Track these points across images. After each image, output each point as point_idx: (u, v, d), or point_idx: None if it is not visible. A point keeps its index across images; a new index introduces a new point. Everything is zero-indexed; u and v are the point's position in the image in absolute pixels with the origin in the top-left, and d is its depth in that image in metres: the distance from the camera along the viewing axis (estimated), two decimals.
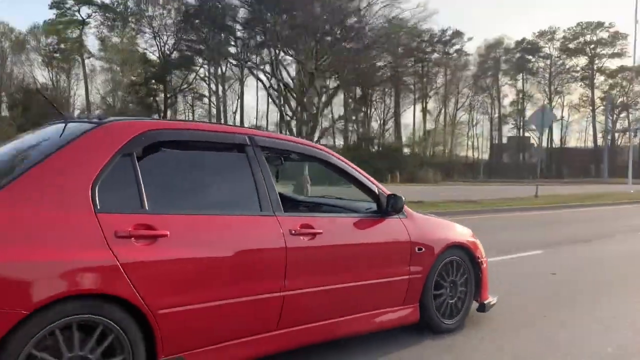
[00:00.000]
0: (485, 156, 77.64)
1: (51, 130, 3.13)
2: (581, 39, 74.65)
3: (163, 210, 2.87)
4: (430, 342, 3.92)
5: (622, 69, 73.51)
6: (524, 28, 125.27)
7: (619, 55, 73.21)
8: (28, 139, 3.30)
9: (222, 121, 57.73)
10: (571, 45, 73.17)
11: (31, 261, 2.37)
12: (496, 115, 75.06)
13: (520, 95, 76.42)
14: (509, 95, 77.69)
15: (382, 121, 66.91)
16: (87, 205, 2.61)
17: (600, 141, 77.76)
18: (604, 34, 72.51)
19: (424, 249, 4.02)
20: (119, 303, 2.61)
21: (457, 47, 70.00)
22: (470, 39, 78.84)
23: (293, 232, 3.30)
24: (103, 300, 2.57)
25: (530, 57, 74.99)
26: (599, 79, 76.73)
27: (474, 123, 71.88)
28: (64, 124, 3.03)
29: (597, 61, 75.13)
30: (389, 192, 4.01)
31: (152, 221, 2.76)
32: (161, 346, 2.76)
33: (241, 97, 61.15)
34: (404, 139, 65.54)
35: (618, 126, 74.15)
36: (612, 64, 74.03)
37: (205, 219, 3.03)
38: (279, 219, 3.29)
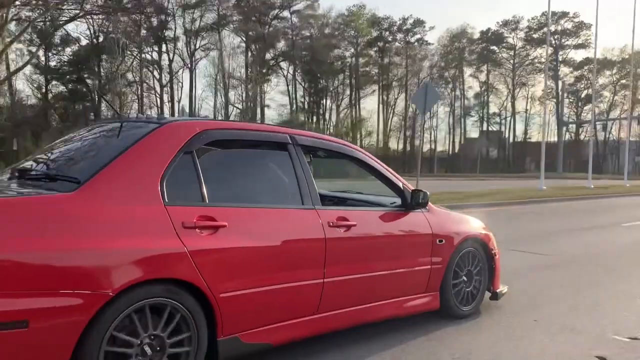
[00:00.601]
0: (452, 150, 79.64)
1: (109, 129, 3.59)
2: (545, 29, 77.23)
3: (220, 203, 3.34)
4: (452, 324, 4.47)
5: (587, 60, 75.60)
6: (488, 18, 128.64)
7: (583, 46, 75.66)
8: (88, 137, 3.74)
9: (169, 110, 57.68)
10: (535, 36, 74.97)
11: (113, 249, 2.80)
12: (459, 107, 76.94)
13: (484, 88, 78.06)
14: (472, 87, 79.48)
15: (337, 111, 68.01)
16: (157, 199, 3.06)
17: (567, 135, 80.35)
18: (568, 25, 74.71)
19: (444, 241, 4.61)
20: (186, 287, 3.06)
21: (418, 36, 71.59)
22: (432, 27, 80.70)
23: (331, 224, 3.81)
24: (173, 285, 3.02)
25: (494, 47, 76.59)
26: (564, 70, 79.13)
27: (431, 115, 74.27)
28: (119, 124, 3.50)
29: (561, 52, 77.41)
30: (412, 188, 4.57)
31: (212, 213, 3.23)
32: (221, 327, 3.22)
33: (191, 84, 61.15)
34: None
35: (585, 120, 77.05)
36: (578, 55, 76.94)
37: (256, 211, 3.52)
38: (318, 212, 3.81)
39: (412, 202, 4.46)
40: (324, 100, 67.63)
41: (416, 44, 71.63)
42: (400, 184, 4.52)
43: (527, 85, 77.58)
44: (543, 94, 73.11)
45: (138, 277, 2.84)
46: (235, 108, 52.08)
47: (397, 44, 71.18)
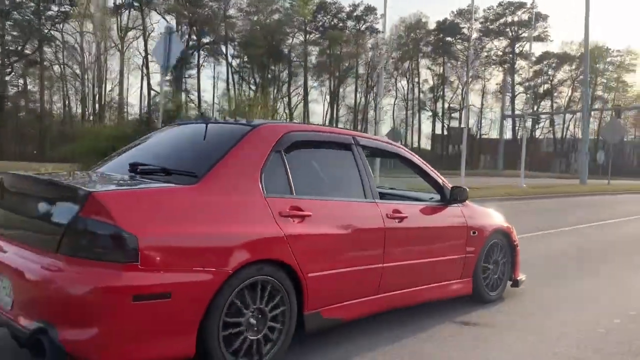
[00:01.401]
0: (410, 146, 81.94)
1: (197, 129, 4.34)
2: (502, 20, 78.85)
3: (304, 196, 4.20)
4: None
5: (546, 54, 78.99)
6: (444, 8, 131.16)
7: (541, 39, 78.06)
8: (181, 135, 4.58)
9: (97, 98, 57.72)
10: (492, 27, 77.45)
11: (231, 233, 3.58)
12: (412, 100, 78.56)
13: (440, 81, 79.82)
14: (428, 80, 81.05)
15: (284, 102, 68.67)
16: (259, 191, 3.89)
17: (521, 131, 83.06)
18: (525, 16, 76.18)
19: (477, 233, 5.62)
20: (282, 267, 3.89)
21: (368, 24, 72.73)
22: (382, 15, 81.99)
23: (388, 215, 4.74)
24: (273, 265, 3.84)
25: (450, 38, 78.23)
26: (520, 63, 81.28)
27: (380, 106, 75.05)
28: (204, 124, 4.30)
29: (518, 45, 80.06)
30: (451, 185, 5.56)
31: (299, 204, 4.08)
32: (307, 303, 4.06)
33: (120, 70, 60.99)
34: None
35: (542, 116, 79.57)
36: (536, 49, 79.08)
37: (332, 203, 4.41)
38: (378, 204, 4.74)
39: (451, 197, 5.45)
40: (272, 89, 68.62)
41: (367, 32, 72.59)
42: (441, 181, 5.50)
43: (483, 78, 79.61)
44: (502, 87, 76.58)
45: (249, 257, 3.60)
46: (156, 93, 52.35)
47: (347, 31, 72.36)
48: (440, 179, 5.53)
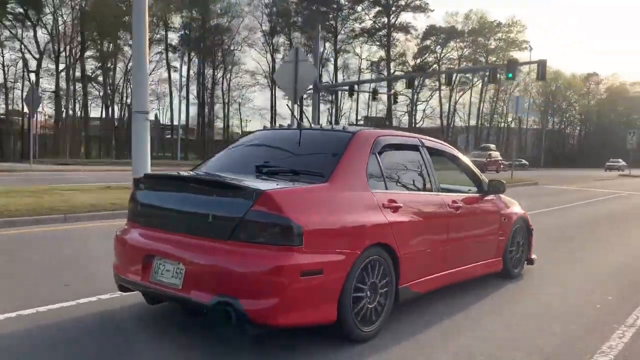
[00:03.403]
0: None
1: (297, 135, 5.70)
2: None
3: (394, 190, 5.48)
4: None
5: (432, 29, 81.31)
6: None
7: (420, 8, 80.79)
8: (287, 140, 5.83)
9: None
10: None
11: (358, 222, 4.83)
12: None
13: (307, 51, 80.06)
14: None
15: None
16: (366, 187, 5.12)
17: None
18: None
19: (506, 219, 7.22)
20: (387, 249, 5.06)
21: None
22: None
23: (449, 205, 6.11)
24: (381, 247, 4.99)
25: (323, 8, 78.35)
26: (398, 37, 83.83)
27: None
28: (299, 130, 5.71)
29: (393, 16, 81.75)
30: (489, 179, 7.11)
31: (393, 197, 5.33)
32: (401, 278, 5.26)
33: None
34: None
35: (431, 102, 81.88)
36: (418, 23, 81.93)
37: (413, 195, 5.75)
38: (442, 196, 6.12)
39: (489, 189, 7.00)
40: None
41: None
42: (480, 175, 7.04)
43: (352, 52, 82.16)
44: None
45: (369, 240, 4.84)
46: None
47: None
48: (479, 173, 7.08)
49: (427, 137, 6.66)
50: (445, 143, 7.09)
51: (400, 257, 5.21)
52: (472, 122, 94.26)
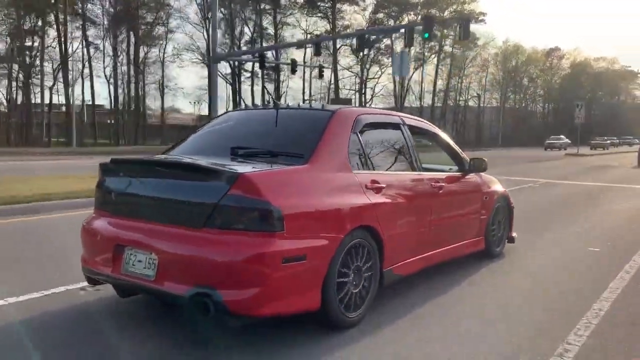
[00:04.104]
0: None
1: (274, 115, 5.63)
2: None
3: (376, 170, 5.46)
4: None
5: (383, 1, 78.52)
6: None
7: None
8: (263, 120, 5.81)
9: None
10: None
11: (341, 205, 4.78)
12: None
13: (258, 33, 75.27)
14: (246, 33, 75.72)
15: None
16: (348, 168, 5.07)
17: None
18: None
19: (487, 198, 7.29)
20: (371, 231, 5.02)
21: None
22: None
23: (432, 184, 6.13)
24: (366, 230, 4.95)
25: None
26: (345, 8, 79.77)
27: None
28: (275, 109, 5.68)
29: None
30: (470, 157, 7.15)
31: (376, 177, 5.28)
32: (385, 261, 5.22)
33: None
34: None
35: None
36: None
37: (396, 175, 5.75)
38: (424, 176, 6.12)
39: (471, 167, 7.08)
40: None
41: None
42: (461, 154, 7.08)
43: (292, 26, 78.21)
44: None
45: (353, 223, 4.78)
46: None
47: None
48: (461, 152, 7.11)
49: (408, 115, 6.75)
50: (426, 121, 7.16)
51: (385, 239, 5.22)
52: (430, 102, 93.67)
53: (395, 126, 6.22)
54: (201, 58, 73.24)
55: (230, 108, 65.84)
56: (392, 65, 34.27)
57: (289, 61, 47.19)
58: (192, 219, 4.34)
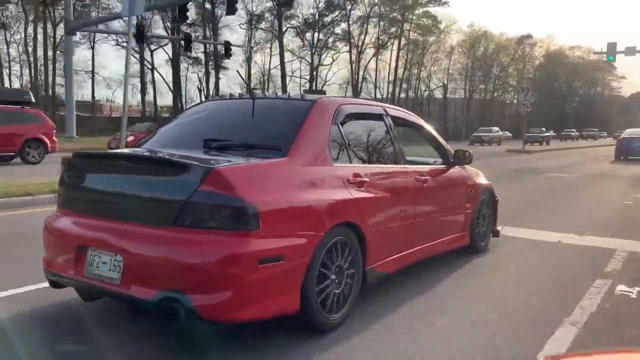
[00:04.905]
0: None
1: (251, 105, 5.45)
2: None
3: (358, 163, 5.38)
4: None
5: None
6: None
7: None
8: (238, 111, 5.68)
9: None
10: None
11: (321, 201, 4.64)
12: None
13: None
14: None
15: None
16: (329, 161, 4.93)
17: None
18: None
19: (472, 190, 7.25)
20: (353, 228, 4.92)
21: None
22: None
23: (417, 178, 6.04)
24: (348, 226, 4.83)
25: None
26: None
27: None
28: (252, 99, 5.47)
29: None
30: (454, 149, 7.07)
31: (358, 170, 5.18)
32: (368, 259, 5.12)
33: None
34: None
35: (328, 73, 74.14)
36: None
37: (379, 168, 5.66)
38: (408, 168, 6.05)
39: (455, 160, 7.03)
40: None
41: None
42: (445, 146, 7.02)
43: None
44: None
45: (334, 220, 4.65)
46: None
47: None
48: (445, 144, 7.05)
49: (391, 106, 6.67)
50: (409, 112, 7.13)
51: (367, 236, 5.12)
52: (390, 91, 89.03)
53: (378, 117, 6.14)
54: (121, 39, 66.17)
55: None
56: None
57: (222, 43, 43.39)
58: (160, 217, 4.19)
